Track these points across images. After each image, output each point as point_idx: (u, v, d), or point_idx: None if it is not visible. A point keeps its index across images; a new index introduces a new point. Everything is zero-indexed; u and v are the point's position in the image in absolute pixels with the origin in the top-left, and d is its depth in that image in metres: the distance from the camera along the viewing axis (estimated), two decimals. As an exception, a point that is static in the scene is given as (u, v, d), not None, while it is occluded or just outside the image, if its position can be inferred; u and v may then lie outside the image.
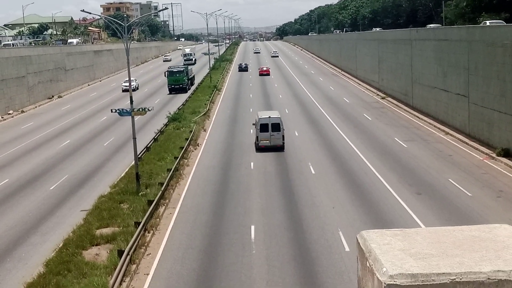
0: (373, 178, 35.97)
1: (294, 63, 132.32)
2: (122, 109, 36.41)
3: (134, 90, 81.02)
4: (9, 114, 70.02)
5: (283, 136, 44.02)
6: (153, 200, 30.07)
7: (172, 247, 26.09)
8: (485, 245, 3.92)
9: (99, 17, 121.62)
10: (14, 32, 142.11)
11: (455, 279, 3.54)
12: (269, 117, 44.02)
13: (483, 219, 27.65)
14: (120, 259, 22.64)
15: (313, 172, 37.77)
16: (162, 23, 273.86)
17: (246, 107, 66.75)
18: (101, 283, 20.92)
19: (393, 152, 42.81)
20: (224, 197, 33.39)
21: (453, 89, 49.00)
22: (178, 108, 64.32)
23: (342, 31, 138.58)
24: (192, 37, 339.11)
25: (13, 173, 41.35)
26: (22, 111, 72.52)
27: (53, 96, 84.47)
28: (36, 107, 76.65)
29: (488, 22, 53.97)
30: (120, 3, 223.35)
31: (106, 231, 26.90)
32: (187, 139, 46.19)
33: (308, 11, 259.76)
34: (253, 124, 47.03)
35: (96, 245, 25.60)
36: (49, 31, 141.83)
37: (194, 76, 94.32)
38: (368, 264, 3.85)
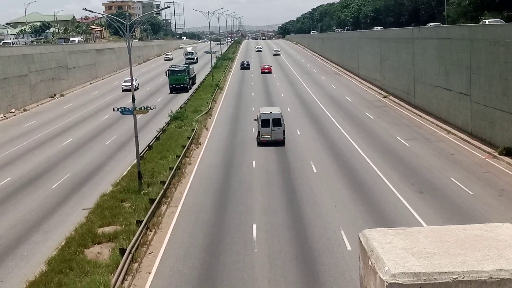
0: (375, 177, 35.95)
1: (296, 61, 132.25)
2: (124, 108, 36.41)
3: (134, 90, 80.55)
4: (11, 112, 70.08)
5: (283, 131, 45.33)
6: (155, 199, 30.08)
7: (174, 245, 26.10)
8: (487, 244, 3.92)
9: (101, 16, 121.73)
10: (16, 30, 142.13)
11: (457, 278, 3.54)
12: (271, 112, 45.36)
13: (485, 218, 27.63)
14: (122, 257, 22.65)
15: (315, 170, 37.76)
16: (164, 21, 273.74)
17: (248, 106, 66.73)
18: (103, 281, 20.94)
19: (395, 151, 42.78)
20: (226, 195, 33.39)
21: (455, 87, 48.94)
22: (180, 107, 64.31)
23: (344, 30, 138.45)
24: (194, 36, 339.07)
25: (15, 171, 41.39)
26: (24, 110, 72.57)
27: (55, 95, 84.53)
28: (38, 105, 76.72)
29: (487, 21, 53.92)
30: (122, 1, 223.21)
31: (108, 229, 26.92)
32: (189, 138, 46.19)
33: (310, 10, 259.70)
34: (255, 119, 48.22)
35: (98, 243, 25.62)
36: (51, 29, 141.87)
37: (195, 75, 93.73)
38: (370, 263, 3.85)
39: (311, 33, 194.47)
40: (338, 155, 42.03)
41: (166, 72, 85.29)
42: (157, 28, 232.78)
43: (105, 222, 27.83)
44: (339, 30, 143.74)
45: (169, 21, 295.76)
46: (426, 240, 4.00)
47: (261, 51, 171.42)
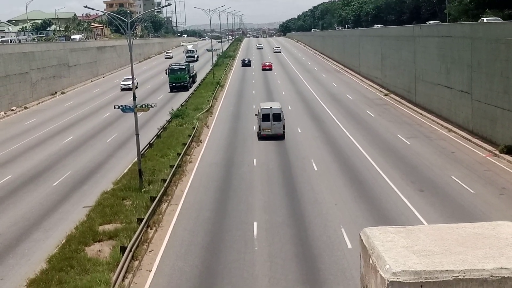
0: (375, 175, 35.95)
1: (297, 59, 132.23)
2: (125, 106, 36.44)
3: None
4: (12, 110, 70.12)
5: (283, 125, 46.92)
6: (156, 197, 30.09)
7: (174, 243, 26.12)
8: (488, 243, 3.91)
9: (102, 13, 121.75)
10: (18, 28, 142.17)
11: (458, 276, 3.53)
12: (271, 107, 46.98)
13: (486, 216, 27.62)
14: (123, 255, 22.67)
15: (315, 169, 37.76)
16: (165, 19, 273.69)
17: (249, 104, 66.71)
18: (104, 279, 20.95)
19: (396, 149, 42.77)
20: (226, 193, 33.40)
21: (456, 86, 48.91)
22: (181, 105, 64.33)
23: (344, 28, 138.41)
24: (195, 33, 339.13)
25: (16, 169, 41.41)
26: (25, 107, 72.62)
27: (56, 92, 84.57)
28: (39, 103, 76.76)
29: (485, 19, 53.92)
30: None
31: (108, 227, 26.94)
32: (190, 136, 46.21)
33: (312, 7, 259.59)
34: (256, 114, 49.83)
35: (99, 241, 25.64)
36: (52, 27, 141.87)
37: (196, 74, 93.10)
38: (371, 261, 3.84)
39: (312, 31, 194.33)
40: (339, 153, 42.03)
41: (166, 70, 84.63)
42: (158, 26, 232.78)
43: (106, 220, 27.86)
44: (340, 28, 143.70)
45: (170, 18, 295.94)
46: (427, 238, 3.99)
47: (262, 48, 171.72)
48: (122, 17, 37.23)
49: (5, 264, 25.16)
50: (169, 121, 54.15)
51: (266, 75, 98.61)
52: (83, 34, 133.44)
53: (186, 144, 43.23)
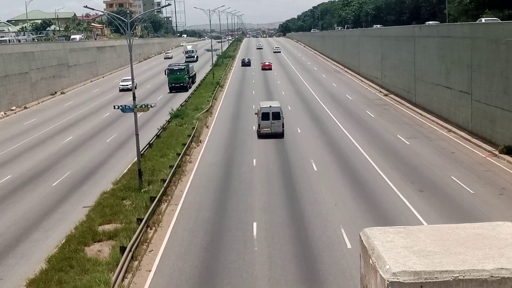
0: (375, 175, 35.95)
1: (297, 59, 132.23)
2: (125, 106, 36.43)
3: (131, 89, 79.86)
4: (12, 110, 70.11)
5: (283, 124, 47.70)
6: (156, 197, 30.09)
7: (174, 243, 26.11)
8: (488, 243, 3.91)
9: (102, 13, 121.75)
10: (17, 28, 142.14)
11: (458, 276, 3.53)
12: (270, 106, 47.70)
13: (485, 217, 27.62)
14: (122, 255, 22.66)
15: (315, 169, 37.76)
16: (165, 19, 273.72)
17: (249, 104, 66.70)
18: (103, 279, 20.94)
19: (395, 149, 42.77)
20: (226, 194, 33.40)
21: (456, 86, 48.92)
22: (180, 105, 64.31)
23: (344, 28, 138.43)
24: (195, 34, 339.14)
25: (15, 169, 41.40)
26: (25, 107, 72.60)
27: (56, 92, 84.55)
28: (39, 103, 76.74)
29: (483, 20, 53.96)
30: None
31: (108, 227, 26.93)
32: (189, 136, 46.21)
33: (311, 8, 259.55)
34: (255, 113, 50.82)
35: (99, 241, 25.63)
36: (52, 27, 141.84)
37: (195, 74, 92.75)
38: (371, 262, 3.83)
39: (312, 31, 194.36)
40: (338, 154, 42.03)
41: (165, 71, 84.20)
42: (158, 26, 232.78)
43: (106, 220, 27.85)
44: (339, 28, 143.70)
45: (170, 18, 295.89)
46: (427, 238, 3.99)
47: (261, 48, 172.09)
48: (122, 17, 37.23)
49: (5, 264, 25.15)
50: (168, 121, 54.15)
51: (266, 75, 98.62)
52: (82, 34, 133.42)
53: (185, 144, 43.23)
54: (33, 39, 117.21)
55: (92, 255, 23.95)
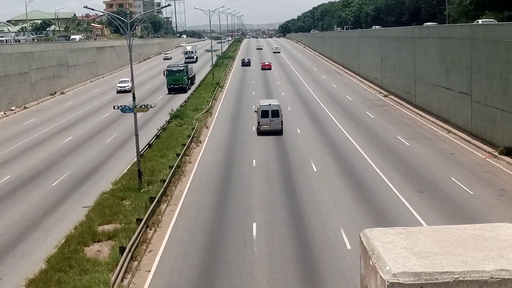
0: (375, 176, 35.95)
1: (296, 60, 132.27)
2: (125, 106, 36.44)
3: (129, 91, 79.37)
4: (11, 110, 70.10)
5: (281, 121, 48.87)
6: (155, 197, 30.08)
7: (173, 244, 26.11)
8: (489, 244, 3.91)
9: (102, 14, 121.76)
10: (17, 28, 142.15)
11: (458, 278, 3.53)
12: (269, 104, 49.09)
13: (485, 218, 27.63)
14: (122, 255, 22.66)
15: (315, 170, 37.76)
16: (165, 19, 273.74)
17: (249, 105, 66.69)
18: (103, 279, 20.94)
19: (395, 150, 42.78)
20: (226, 194, 33.40)
21: (456, 87, 48.93)
22: (180, 105, 64.31)
23: (343, 29, 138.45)
24: (195, 34, 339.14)
25: (15, 169, 41.39)
26: (25, 107, 72.60)
27: (55, 93, 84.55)
28: (38, 103, 76.73)
29: (480, 21, 54.01)
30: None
31: (108, 227, 26.93)
32: (189, 136, 46.21)
33: (311, 8, 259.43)
34: (255, 111, 51.94)
35: (98, 241, 25.63)
36: (52, 27, 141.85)
37: (194, 75, 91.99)
38: (371, 263, 3.84)
39: (312, 32, 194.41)
40: (338, 154, 42.03)
41: (164, 72, 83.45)
42: (158, 26, 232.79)
43: (105, 220, 27.84)
44: (339, 29, 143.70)
45: (170, 19, 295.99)
46: (427, 239, 3.99)
47: (261, 49, 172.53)
48: (121, 18, 37.24)
49: (4, 264, 25.14)
50: (168, 122, 54.15)
51: (266, 76, 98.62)
52: (82, 35, 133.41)
53: (185, 144, 43.23)
54: (33, 39, 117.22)
55: (92, 255, 23.95)
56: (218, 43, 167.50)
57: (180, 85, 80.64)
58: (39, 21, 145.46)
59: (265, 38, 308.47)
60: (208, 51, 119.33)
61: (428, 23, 75.74)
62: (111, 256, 23.33)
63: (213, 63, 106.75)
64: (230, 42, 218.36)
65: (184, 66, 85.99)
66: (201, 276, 22.81)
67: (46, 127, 57.85)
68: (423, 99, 58.38)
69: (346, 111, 60.92)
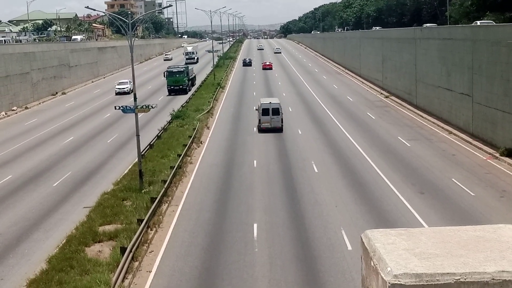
0: (376, 177, 35.94)
1: (298, 61, 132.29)
2: (126, 106, 36.46)
3: (128, 93, 79.35)
4: (13, 110, 70.15)
5: (282, 119, 50.11)
6: (156, 198, 30.09)
7: (174, 244, 26.12)
8: (490, 246, 3.91)
9: (103, 14, 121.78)
10: (19, 28, 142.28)
11: (459, 279, 3.53)
12: (270, 102, 50.30)
13: (486, 219, 27.61)
14: (123, 256, 22.67)
15: (316, 170, 37.76)
16: (166, 20, 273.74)
17: (250, 105, 66.63)
18: (104, 280, 20.95)
19: (396, 151, 42.77)
20: (227, 195, 33.40)
21: (457, 88, 48.92)
22: (181, 106, 64.34)
23: (344, 30, 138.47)
24: (196, 35, 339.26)
25: (16, 169, 41.42)
26: (26, 108, 72.65)
27: (57, 93, 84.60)
28: (40, 103, 76.78)
29: (479, 23, 53.99)
30: (124, 0, 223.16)
31: (109, 228, 26.94)
32: (190, 137, 46.22)
33: (313, 9, 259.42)
34: (256, 109, 53.06)
35: (99, 242, 25.64)
36: (53, 27, 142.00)
37: (195, 76, 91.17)
38: (372, 264, 3.84)
39: (313, 32, 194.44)
40: (339, 155, 42.03)
41: (164, 73, 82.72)
42: (159, 27, 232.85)
43: (106, 221, 27.86)
44: (340, 30, 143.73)
45: (171, 19, 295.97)
46: (429, 241, 3.99)
47: (262, 49, 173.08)
48: (123, 18, 37.25)
49: (5, 264, 25.16)
50: (169, 122, 54.17)
51: (267, 77, 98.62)
52: (84, 35, 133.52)
53: (186, 145, 43.23)
54: (35, 39, 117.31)
55: (93, 256, 23.96)
56: (219, 43, 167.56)
57: (180, 87, 79.96)
58: (40, 21, 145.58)
59: (266, 38, 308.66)
60: (209, 51, 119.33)
61: (427, 24, 75.74)
62: (112, 256, 23.34)
63: (214, 63, 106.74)
64: (231, 42, 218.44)
65: (184, 67, 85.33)
66: (202, 276, 22.82)
67: (47, 127, 57.88)
68: (424, 100, 58.37)
69: (347, 112, 60.92)
